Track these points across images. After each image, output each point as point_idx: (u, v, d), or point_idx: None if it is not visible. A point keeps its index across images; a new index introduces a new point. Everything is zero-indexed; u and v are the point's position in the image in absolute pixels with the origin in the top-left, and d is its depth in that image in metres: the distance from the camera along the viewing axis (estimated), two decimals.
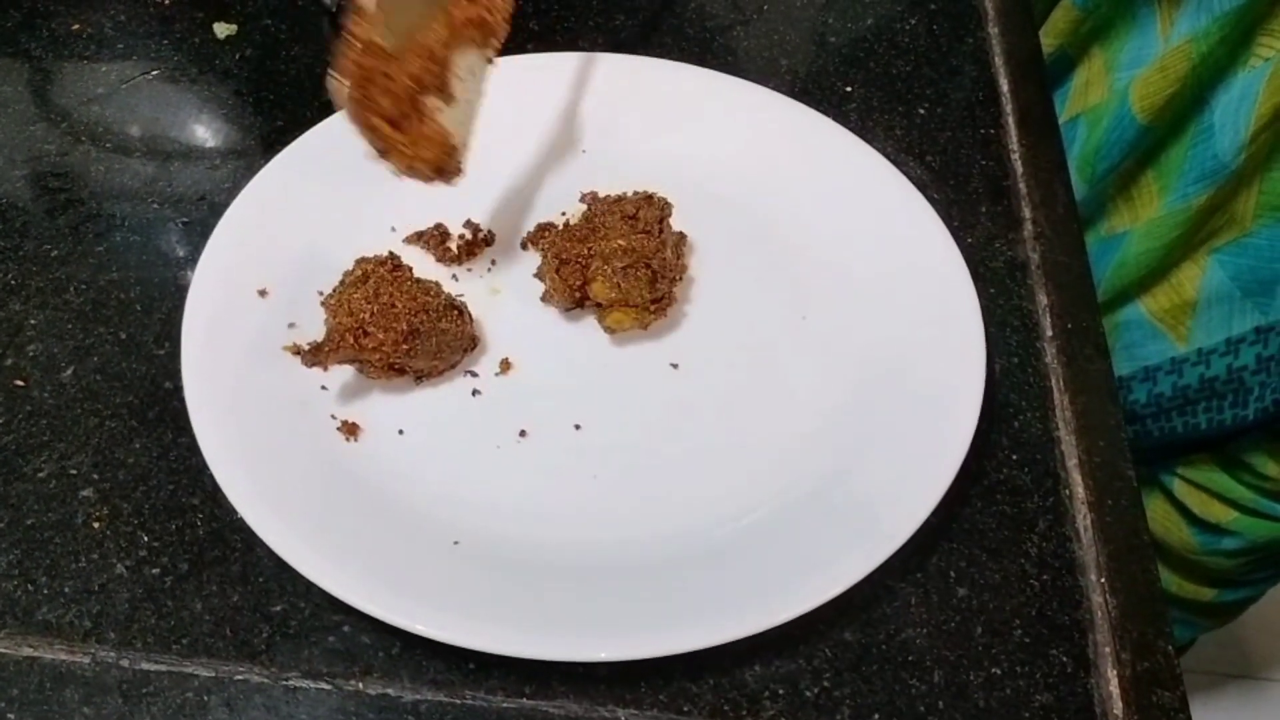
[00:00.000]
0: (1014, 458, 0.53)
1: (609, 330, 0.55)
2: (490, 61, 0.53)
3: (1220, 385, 0.63)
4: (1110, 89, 0.68)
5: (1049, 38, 0.75)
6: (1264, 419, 0.61)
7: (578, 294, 0.54)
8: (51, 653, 0.45)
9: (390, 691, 0.45)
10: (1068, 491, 0.52)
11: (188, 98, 0.66)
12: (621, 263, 0.53)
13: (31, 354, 0.54)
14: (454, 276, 0.57)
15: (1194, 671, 1.32)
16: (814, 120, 0.63)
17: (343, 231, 0.57)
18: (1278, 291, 0.59)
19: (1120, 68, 0.68)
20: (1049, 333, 0.58)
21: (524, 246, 0.59)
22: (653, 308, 0.55)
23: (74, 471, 0.50)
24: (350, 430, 0.50)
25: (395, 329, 0.50)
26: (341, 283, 0.52)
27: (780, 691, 0.45)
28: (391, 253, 0.53)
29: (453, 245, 0.58)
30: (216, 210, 0.56)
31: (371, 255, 0.52)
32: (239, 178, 0.58)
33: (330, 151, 0.59)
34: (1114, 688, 0.46)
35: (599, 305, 0.55)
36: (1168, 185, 0.64)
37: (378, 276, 0.51)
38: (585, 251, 0.54)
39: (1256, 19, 0.57)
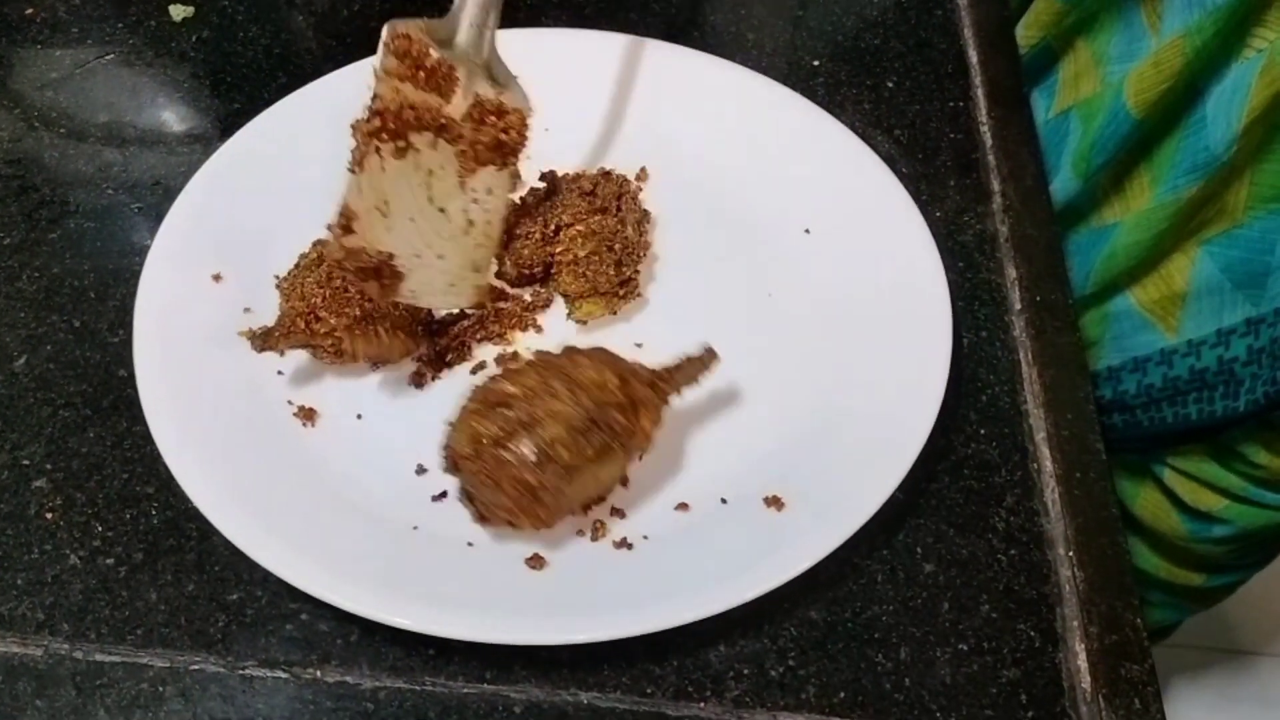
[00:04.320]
0: (982, 432, 0.52)
1: (580, 322, 0.54)
2: (513, 175, 0.51)
3: (1211, 377, 0.62)
4: (1103, 82, 0.67)
5: (1031, 30, 0.74)
6: (1255, 410, 0.60)
7: (526, 271, 0.53)
8: (3, 645, 0.44)
9: (349, 679, 0.44)
10: (1036, 465, 0.51)
11: (144, 81, 0.65)
12: (583, 250, 0.52)
13: None
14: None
15: (1180, 646, 1.33)
16: (781, 95, 0.62)
17: (300, 214, 0.55)
18: (1269, 283, 0.58)
19: (1111, 61, 0.67)
20: (1017, 306, 0.57)
21: None
22: (621, 291, 0.54)
23: (26, 462, 0.49)
24: (307, 416, 0.50)
25: (347, 314, 0.49)
26: (297, 265, 0.51)
27: (745, 671, 0.45)
28: None
29: None
30: (172, 195, 0.55)
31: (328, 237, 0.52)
32: (195, 162, 0.57)
33: (287, 133, 0.58)
34: (1082, 662, 0.46)
35: (565, 296, 0.54)
36: (1159, 177, 0.64)
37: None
38: (541, 226, 0.53)
39: (1250, 10, 0.56)
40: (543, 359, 0.46)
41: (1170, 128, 0.62)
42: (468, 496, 0.45)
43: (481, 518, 0.45)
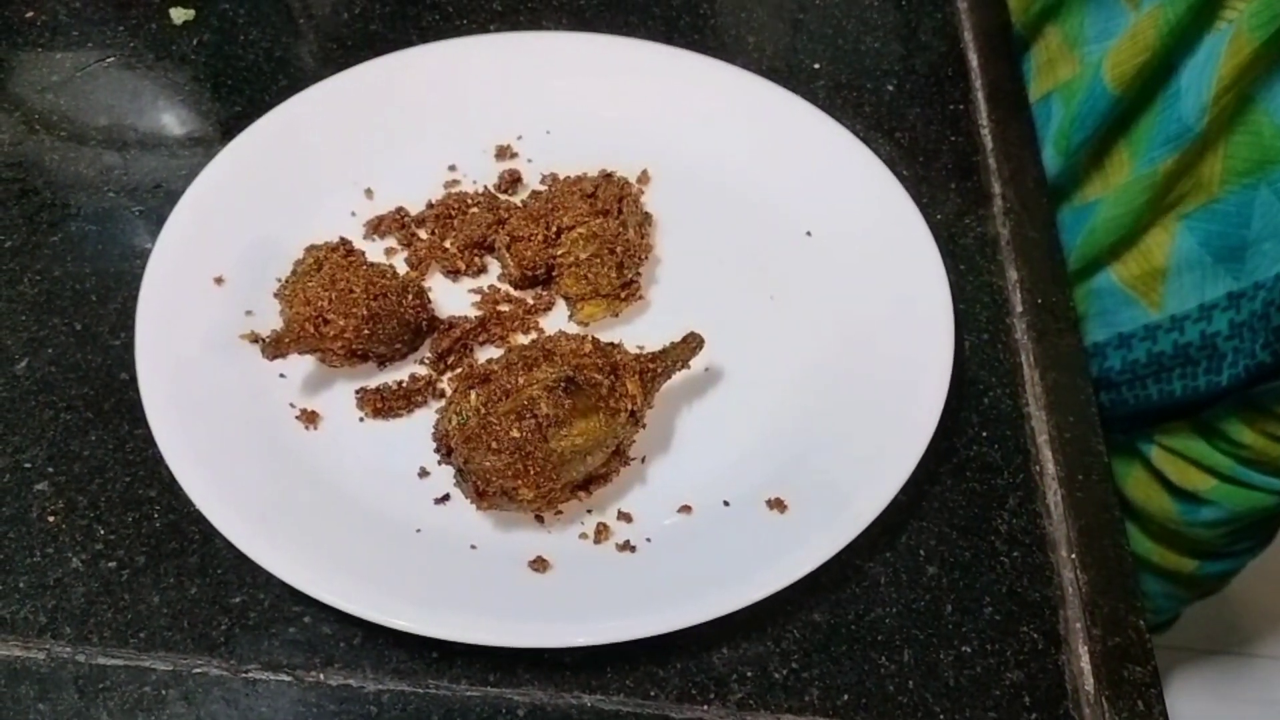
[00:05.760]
0: (984, 434, 0.52)
1: (582, 324, 0.54)
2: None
3: (1194, 351, 0.62)
4: (1082, 62, 0.68)
5: None
6: (1237, 385, 0.61)
7: (529, 272, 0.53)
8: (6, 649, 0.44)
9: (352, 682, 0.44)
10: (1038, 467, 0.52)
11: (144, 85, 0.65)
12: (585, 252, 0.52)
13: None
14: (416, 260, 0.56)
15: (1180, 648, 1.33)
16: (782, 98, 0.62)
17: (301, 217, 0.56)
18: (1248, 257, 0.58)
19: (1088, 41, 0.67)
20: (1019, 308, 0.57)
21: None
22: (623, 294, 0.54)
23: (28, 465, 0.49)
24: (310, 419, 0.50)
25: (355, 314, 0.49)
26: (293, 272, 0.51)
27: (748, 674, 0.45)
28: (343, 238, 0.52)
29: (414, 229, 0.57)
30: (173, 198, 0.55)
31: (322, 242, 0.52)
32: (196, 165, 0.57)
33: (288, 136, 0.58)
34: (1085, 664, 0.46)
35: (567, 298, 0.54)
36: (1137, 152, 0.64)
37: (332, 263, 0.50)
38: (543, 229, 0.53)
39: None
40: (522, 343, 0.49)
41: (1147, 102, 0.63)
42: (461, 475, 0.46)
43: (479, 494, 0.45)
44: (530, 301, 0.55)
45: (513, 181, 0.59)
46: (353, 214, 0.57)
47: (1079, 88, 0.67)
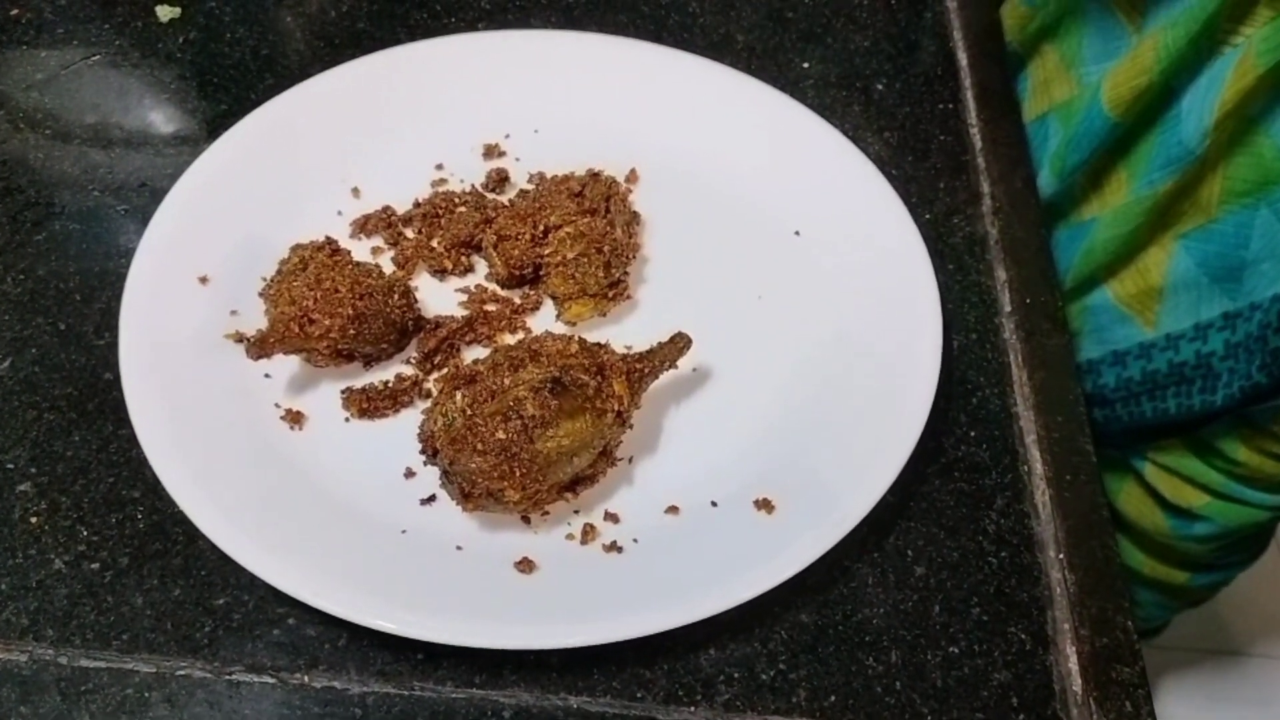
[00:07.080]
0: (972, 434, 0.52)
1: (569, 324, 0.54)
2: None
3: (1189, 371, 0.62)
4: (1079, 83, 0.68)
5: None
6: (1232, 405, 0.61)
7: (516, 272, 0.53)
8: None
9: (337, 684, 0.44)
10: (1026, 468, 0.51)
11: (130, 83, 0.64)
12: (572, 252, 0.52)
13: None
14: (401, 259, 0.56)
15: (1172, 648, 1.33)
16: (771, 97, 0.62)
17: (286, 216, 0.55)
18: (1245, 277, 0.58)
19: (1086, 62, 0.67)
20: (1008, 308, 0.57)
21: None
22: (610, 293, 0.54)
23: (11, 466, 0.49)
24: (294, 419, 0.49)
25: (340, 314, 0.48)
26: (279, 271, 0.51)
27: (735, 675, 0.45)
28: (328, 237, 0.52)
29: (401, 228, 0.57)
30: (158, 197, 0.55)
31: (307, 241, 0.51)
32: (182, 164, 0.57)
33: (273, 135, 0.58)
34: (1073, 664, 0.46)
35: (554, 297, 0.54)
36: (1135, 174, 0.64)
37: (317, 262, 0.49)
38: (530, 228, 0.53)
39: (1233, 7, 0.56)
40: (509, 344, 0.49)
41: (1147, 126, 0.63)
42: (447, 476, 0.45)
43: (465, 496, 0.45)
44: (517, 301, 0.55)
45: (500, 180, 0.59)
46: (339, 213, 0.57)
47: (1076, 110, 0.66)
